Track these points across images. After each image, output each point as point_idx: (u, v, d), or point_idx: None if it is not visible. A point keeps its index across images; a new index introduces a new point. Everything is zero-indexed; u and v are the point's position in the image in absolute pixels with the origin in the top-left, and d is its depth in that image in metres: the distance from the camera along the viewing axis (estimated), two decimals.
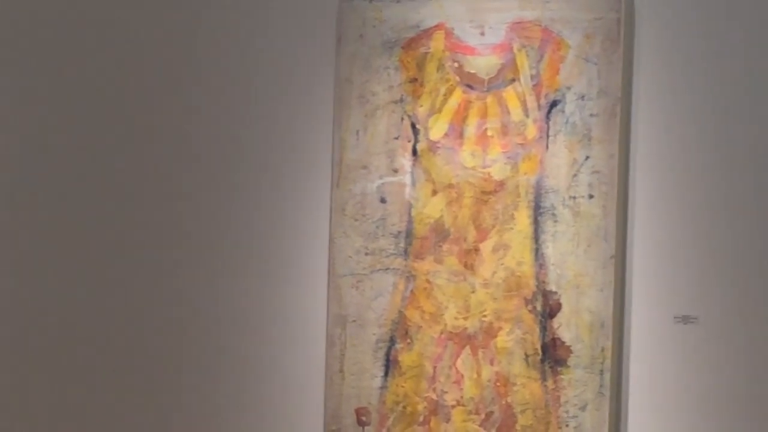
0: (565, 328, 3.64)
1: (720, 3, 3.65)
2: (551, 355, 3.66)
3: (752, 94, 3.57)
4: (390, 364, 3.85)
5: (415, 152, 3.80)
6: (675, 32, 3.64)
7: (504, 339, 3.71)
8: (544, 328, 3.67)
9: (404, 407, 3.83)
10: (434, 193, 3.78)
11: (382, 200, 3.86)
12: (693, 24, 3.64)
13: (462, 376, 3.76)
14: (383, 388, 3.87)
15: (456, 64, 3.78)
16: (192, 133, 4.20)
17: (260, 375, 4.14)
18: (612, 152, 3.61)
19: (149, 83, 4.26)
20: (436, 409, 3.80)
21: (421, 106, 3.81)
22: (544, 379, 3.66)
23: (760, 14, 3.68)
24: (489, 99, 3.72)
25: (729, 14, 3.61)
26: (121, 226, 4.28)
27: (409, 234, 3.82)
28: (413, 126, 3.81)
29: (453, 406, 3.78)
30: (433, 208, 3.79)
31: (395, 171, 3.84)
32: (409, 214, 3.82)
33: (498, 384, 3.72)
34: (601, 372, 3.59)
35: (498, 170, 3.71)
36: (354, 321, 3.90)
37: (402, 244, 3.83)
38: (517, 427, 3.70)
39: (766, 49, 3.58)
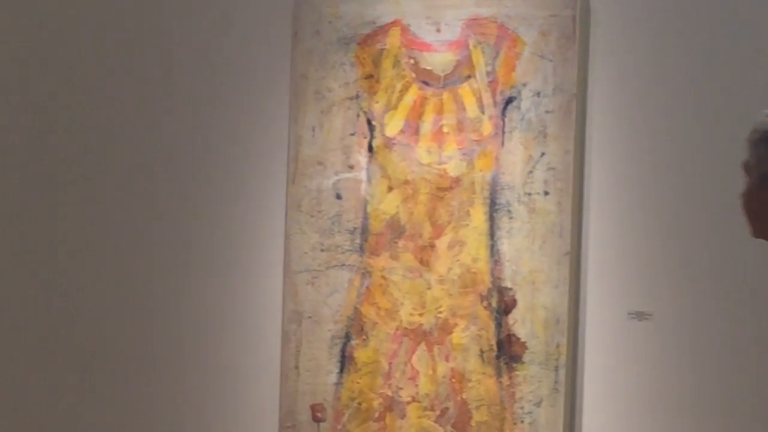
0: (520, 324, 3.63)
1: (674, 0, 3.65)
2: (506, 352, 3.65)
3: (706, 91, 3.58)
4: (345, 361, 3.83)
5: (371, 149, 3.79)
6: (630, 29, 3.64)
7: (459, 335, 3.70)
8: (499, 325, 3.66)
9: (359, 403, 3.81)
10: (390, 189, 3.76)
11: (338, 196, 3.84)
12: (647, 21, 3.64)
13: (417, 372, 3.75)
14: (338, 384, 3.84)
15: (412, 61, 3.77)
16: (147, 129, 4.16)
17: (215, 371, 4.11)
18: (567, 149, 3.61)
19: (101, 82, 4.22)
20: (391, 405, 3.78)
21: (377, 102, 3.79)
22: (499, 375, 3.65)
23: (713, 12, 3.69)
24: (445, 95, 3.71)
25: (683, 12, 3.62)
26: (76, 224, 4.23)
27: (364, 230, 3.80)
28: (369, 122, 3.79)
29: (408, 403, 3.76)
30: (388, 204, 3.77)
31: (351, 167, 3.82)
32: (365, 210, 3.80)
33: (453, 380, 3.71)
34: (556, 368, 3.59)
35: (454, 167, 3.70)
36: (309, 317, 3.87)
37: (357, 241, 3.81)
38: (472, 423, 3.69)
39: (719, 46, 3.59)
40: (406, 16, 3.77)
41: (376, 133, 3.78)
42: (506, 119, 3.66)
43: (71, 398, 4.20)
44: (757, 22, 3.57)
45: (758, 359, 3.54)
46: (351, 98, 3.82)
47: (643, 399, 3.58)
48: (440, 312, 3.71)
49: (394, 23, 3.78)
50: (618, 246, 3.65)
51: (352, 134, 3.81)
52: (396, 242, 3.76)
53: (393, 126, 3.75)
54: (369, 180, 3.80)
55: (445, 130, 3.70)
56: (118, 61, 4.20)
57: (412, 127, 3.73)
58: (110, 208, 4.19)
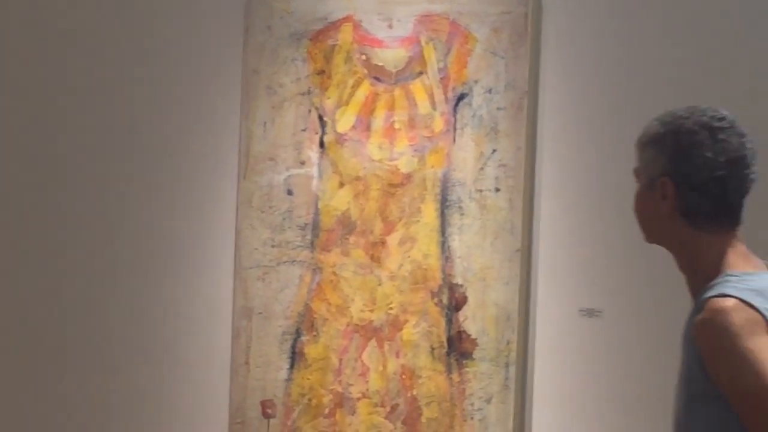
0: (470, 321, 3.62)
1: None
2: (457, 348, 3.64)
3: (658, 89, 3.58)
4: (296, 357, 3.80)
5: (322, 144, 3.76)
6: (582, 27, 3.64)
7: (410, 332, 3.68)
8: (450, 321, 3.64)
9: (310, 400, 3.78)
10: (341, 185, 3.74)
11: (289, 192, 3.81)
12: (599, 18, 3.64)
13: (368, 368, 3.73)
14: (289, 380, 3.82)
15: (364, 57, 3.74)
16: (97, 124, 4.12)
17: (165, 367, 4.08)
18: (519, 145, 3.60)
19: (49, 76, 4.17)
20: (341, 401, 3.76)
21: (329, 98, 3.77)
22: (449, 371, 3.63)
23: (664, 9, 3.70)
24: (396, 92, 3.69)
25: (635, 9, 3.63)
26: (28, 222, 4.19)
27: (315, 226, 3.78)
28: (320, 118, 3.77)
29: (358, 399, 3.74)
30: (339, 200, 3.75)
31: (302, 163, 3.79)
32: (316, 206, 3.78)
33: (403, 377, 3.69)
34: (507, 365, 3.58)
35: (405, 163, 3.68)
36: (260, 313, 3.84)
37: (309, 237, 3.78)
38: (423, 419, 3.68)
39: (670, 43, 3.60)
40: (357, 12, 3.75)
41: (328, 129, 3.76)
42: (458, 116, 3.65)
43: (22, 395, 4.16)
44: (708, 19, 3.58)
45: None
46: (302, 94, 3.80)
47: (593, 396, 3.57)
48: (391, 308, 3.69)
49: (346, 19, 3.76)
50: (569, 243, 3.65)
51: (304, 130, 3.79)
52: (347, 238, 3.74)
53: (344, 122, 3.73)
54: (320, 176, 3.77)
55: (396, 126, 3.68)
56: (68, 58, 4.15)
57: (364, 123, 3.71)
58: (61, 205, 4.13)
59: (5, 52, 4.20)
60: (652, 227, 2.47)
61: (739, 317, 2.19)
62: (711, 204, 2.33)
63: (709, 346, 2.22)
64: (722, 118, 2.35)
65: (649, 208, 2.43)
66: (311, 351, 3.78)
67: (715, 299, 2.24)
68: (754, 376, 2.13)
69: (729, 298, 2.22)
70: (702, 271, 2.38)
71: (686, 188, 2.33)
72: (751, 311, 2.20)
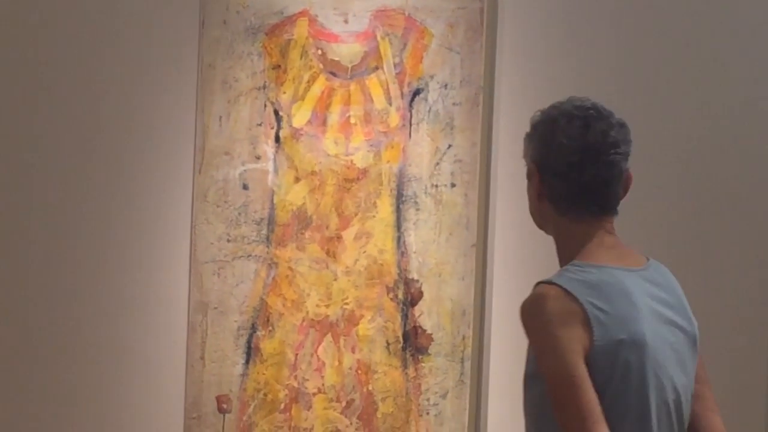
0: (426, 316, 3.60)
1: None
2: (412, 343, 3.62)
3: (613, 84, 3.58)
4: (251, 352, 3.77)
5: (278, 139, 3.73)
6: (537, 22, 3.64)
7: (365, 327, 3.66)
8: (405, 316, 3.62)
9: (265, 395, 3.76)
10: (297, 180, 3.71)
11: (245, 187, 3.77)
12: (555, 14, 3.64)
13: (323, 363, 3.70)
14: (244, 375, 3.79)
15: (319, 52, 3.71)
16: (49, 117, 4.07)
17: (120, 361, 4.04)
18: (474, 141, 3.59)
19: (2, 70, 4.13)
20: (297, 396, 3.73)
21: (285, 92, 3.73)
22: (405, 367, 3.61)
23: (620, 4, 3.70)
24: (352, 87, 3.66)
25: (591, 4, 3.63)
26: None
27: (271, 221, 3.75)
28: (276, 113, 3.73)
29: (314, 394, 3.71)
30: (295, 195, 3.72)
31: (258, 158, 3.76)
32: (272, 201, 3.75)
33: (359, 372, 3.67)
34: (462, 360, 3.56)
35: (361, 158, 3.65)
36: (215, 308, 3.80)
37: (264, 231, 3.75)
38: (378, 414, 3.66)
39: (627, 39, 3.60)
40: (313, 7, 3.72)
41: (284, 124, 3.72)
42: (413, 111, 3.63)
43: None
44: (665, 13, 3.59)
45: None
46: (258, 88, 3.76)
47: None
48: (347, 303, 3.67)
49: (301, 13, 3.73)
50: (524, 238, 3.62)
51: (259, 124, 3.75)
52: (303, 233, 3.71)
53: (300, 117, 3.70)
54: (276, 171, 3.74)
55: (352, 121, 3.65)
56: (21, 51, 4.10)
57: (320, 118, 3.68)
58: (14, 200, 4.09)
59: None
60: (533, 213, 2.54)
61: (554, 305, 2.26)
62: (569, 189, 2.38)
63: (526, 327, 2.32)
64: (586, 107, 2.43)
65: (528, 195, 2.51)
66: (267, 346, 3.75)
67: (541, 285, 2.33)
68: (553, 361, 2.23)
69: (553, 286, 2.29)
70: (565, 258, 2.43)
71: (548, 174, 2.40)
72: (571, 302, 2.26)
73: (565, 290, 2.28)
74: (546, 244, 3.62)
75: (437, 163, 3.60)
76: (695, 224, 3.59)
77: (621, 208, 2.50)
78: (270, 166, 3.73)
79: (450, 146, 3.59)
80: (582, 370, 2.22)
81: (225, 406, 3.79)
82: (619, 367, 2.27)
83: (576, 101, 2.49)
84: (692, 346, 2.42)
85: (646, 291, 2.37)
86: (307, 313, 3.70)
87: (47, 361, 4.06)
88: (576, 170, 2.36)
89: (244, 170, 3.77)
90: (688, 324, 2.42)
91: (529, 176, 2.47)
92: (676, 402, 2.36)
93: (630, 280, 2.35)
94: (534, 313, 2.31)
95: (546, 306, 2.28)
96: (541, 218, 2.51)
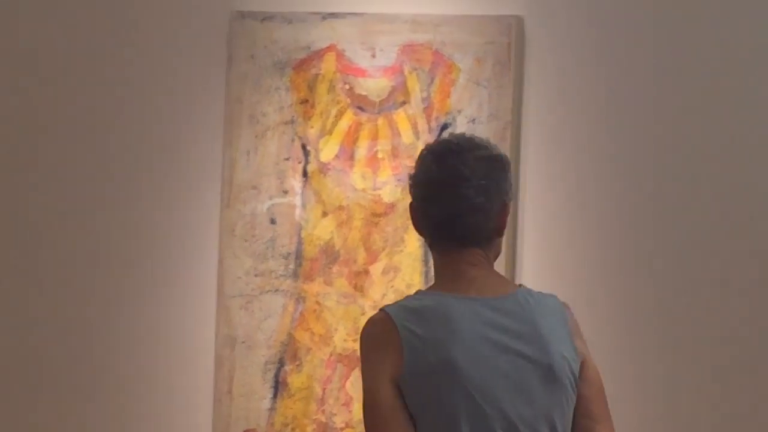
0: None
1: (609, 28, 3.64)
2: None
3: (641, 119, 3.57)
4: (279, 386, 3.74)
5: (305, 174, 3.71)
6: (565, 57, 3.62)
7: None
8: None
9: (293, 429, 3.72)
10: (324, 214, 3.69)
11: (272, 221, 3.75)
12: (583, 49, 3.62)
13: (351, 398, 3.66)
14: (272, 409, 3.75)
15: (347, 86, 3.69)
16: (80, 151, 4.06)
17: (148, 396, 4.02)
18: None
19: (40, 96, 4.13)
20: (324, 431, 3.70)
21: (312, 127, 3.71)
22: None
23: (647, 40, 3.69)
24: (380, 121, 3.64)
25: (618, 40, 3.61)
26: (13, 245, 4.15)
27: (299, 255, 3.72)
28: (304, 147, 3.71)
29: (342, 429, 3.67)
30: (323, 229, 3.69)
31: (285, 192, 3.74)
32: (299, 235, 3.72)
33: None
34: None
35: (388, 192, 3.63)
36: (243, 342, 3.77)
37: (292, 266, 3.73)
38: None
39: (655, 74, 3.58)
40: (341, 42, 3.70)
41: (311, 158, 3.70)
42: None
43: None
44: (691, 51, 3.57)
45: (685, 377, 3.54)
46: (286, 123, 3.75)
47: None
48: None
49: (329, 48, 3.71)
50: (551, 270, 3.62)
51: (287, 159, 3.73)
52: (330, 268, 3.69)
53: (328, 151, 3.68)
54: (303, 205, 3.72)
55: (379, 155, 3.63)
56: (52, 84, 4.11)
57: (347, 153, 3.66)
58: (45, 230, 4.08)
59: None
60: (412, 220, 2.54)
61: (374, 329, 2.34)
62: (426, 222, 2.42)
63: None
64: (448, 142, 2.49)
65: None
66: (294, 380, 3.72)
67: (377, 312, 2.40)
68: (364, 384, 2.31)
69: (381, 312, 2.35)
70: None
71: (412, 207, 2.45)
72: (389, 327, 2.30)
73: (388, 316, 2.32)
74: (573, 276, 3.63)
75: None
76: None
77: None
78: (297, 201, 3.71)
79: None
80: (386, 394, 2.27)
81: None
82: (429, 392, 2.29)
83: (448, 137, 2.64)
84: (545, 377, 2.35)
85: (482, 318, 2.34)
86: (335, 347, 3.67)
87: (73, 394, 4.05)
88: (425, 203, 2.41)
89: (272, 204, 3.75)
90: (542, 355, 2.34)
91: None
92: (509, 428, 2.31)
93: (459, 307, 2.34)
94: (361, 336, 2.39)
95: (365, 331, 2.37)
96: None
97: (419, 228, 2.46)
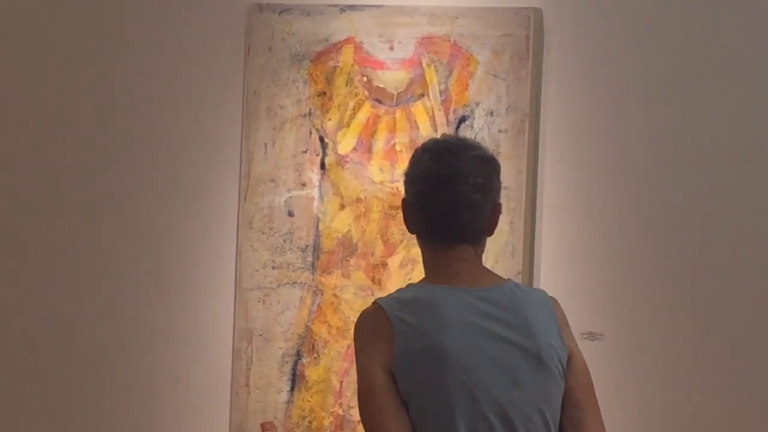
0: None
1: (628, 21, 3.61)
2: None
3: (659, 111, 3.54)
4: (296, 379, 3.72)
5: (323, 166, 3.68)
6: (583, 49, 3.59)
7: None
8: None
9: (310, 422, 3.70)
10: (342, 207, 3.66)
11: (290, 214, 3.73)
12: (601, 41, 3.59)
13: None
14: (289, 402, 3.74)
15: (365, 79, 3.67)
16: (99, 144, 4.06)
17: (165, 388, 4.01)
18: (520, 168, 3.52)
19: (56, 90, 4.11)
20: (342, 424, 3.67)
21: (330, 119, 3.69)
22: None
23: (666, 31, 3.66)
24: (398, 114, 3.61)
25: (637, 32, 3.58)
26: (29, 240, 4.14)
27: (316, 248, 3.70)
28: (321, 140, 3.69)
29: (359, 422, 3.65)
30: (340, 222, 3.67)
31: (303, 185, 3.71)
32: (317, 228, 3.70)
33: None
34: None
35: None
36: (260, 335, 3.75)
37: (309, 258, 3.70)
38: None
39: (672, 65, 3.56)
40: (359, 34, 3.68)
41: (329, 151, 3.68)
42: None
43: (22, 416, 4.11)
44: (709, 42, 3.54)
45: (706, 379, 3.51)
46: (303, 115, 3.72)
47: None
48: None
49: (347, 41, 3.69)
50: (570, 266, 3.59)
51: (305, 152, 3.71)
52: (348, 260, 3.66)
53: (345, 144, 3.65)
54: (321, 198, 3.70)
55: (397, 148, 3.60)
56: (71, 78, 4.10)
57: (365, 145, 3.64)
58: (61, 222, 4.08)
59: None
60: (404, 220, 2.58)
61: (367, 321, 2.41)
62: (419, 218, 2.46)
63: None
64: (444, 142, 2.54)
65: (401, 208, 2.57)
66: (312, 373, 3.70)
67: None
68: (358, 374, 2.38)
69: (375, 304, 2.42)
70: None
71: (406, 203, 2.49)
72: (381, 318, 2.37)
73: (380, 307, 2.39)
74: (592, 271, 3.60)
75: None
76: None
77: None
78: (315, 193, 3.69)
79: None
80: (380, 381, 2.34)
81: None
82: (420, 377, 2.34)
83: (443, 138, 2.72)
84: (534, 363, 2.40)
85: (471, 307, 2.39)
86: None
87: (91, 386, 4.05)
88: (422, 199, 2.44)
89: (290, 197, 3.73)
90: (530, 343, 2.40)
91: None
92: (501, 416, 2.36)
93: (448, 296, 2.40)
94: (355, 328, 2.44)
95: (359, 323, 2.43)
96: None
97: (412, 224, 2.49)
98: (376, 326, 2.37)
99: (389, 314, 2.36)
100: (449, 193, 2.42)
